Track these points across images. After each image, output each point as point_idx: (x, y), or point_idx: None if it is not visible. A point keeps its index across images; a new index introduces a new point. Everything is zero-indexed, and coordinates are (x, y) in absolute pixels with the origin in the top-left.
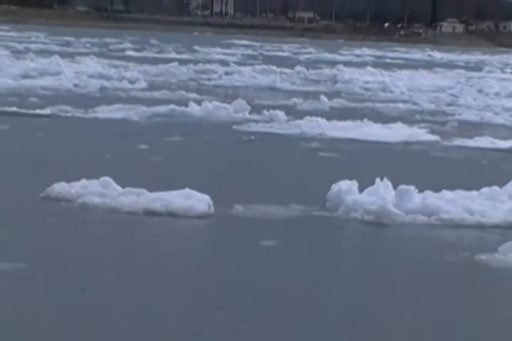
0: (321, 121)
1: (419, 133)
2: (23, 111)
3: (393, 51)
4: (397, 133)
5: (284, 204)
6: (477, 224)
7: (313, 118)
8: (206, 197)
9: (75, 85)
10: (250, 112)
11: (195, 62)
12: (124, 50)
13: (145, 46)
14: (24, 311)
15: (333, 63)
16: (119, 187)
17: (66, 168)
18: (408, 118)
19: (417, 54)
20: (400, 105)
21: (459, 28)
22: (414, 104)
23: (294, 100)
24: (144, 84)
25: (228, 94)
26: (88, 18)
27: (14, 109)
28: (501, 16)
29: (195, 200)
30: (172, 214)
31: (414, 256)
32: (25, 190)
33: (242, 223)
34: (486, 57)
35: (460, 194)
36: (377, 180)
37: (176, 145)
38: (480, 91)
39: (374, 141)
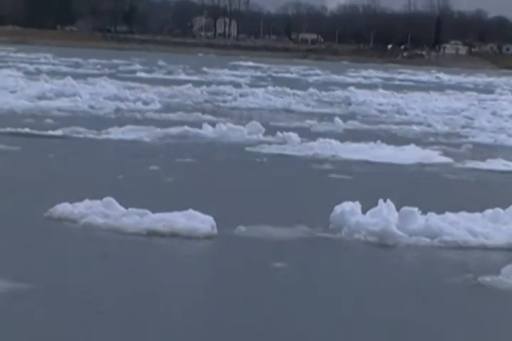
0: (334, 142)
1: (433, 156)
2: (37, 132)
3: (400, 73)
4: (410, 155)
5: (288, 226)
6: (480, 246)
7: (327, 140)
8: (210, 218)
9: (91, 107)
10: (264, 134)
11: (208, 83)
12: (134, 71)
13: (153, 67)
14: (26, 330)
15: (343, 85)
16: (122, 208)
17: (73, 189)
18: (422, 141)
19: (424, 76)
20: (414, 127)
21: (462, 49)
22: (429, 126)
23: (309, 122)
24: (158, 106)
25: (243, 116)
26: (91, 38)
27: (29, 130)
28: (504, 38)
29: (198, 221)
30: (175, 235)
31: (417, 277)
32: (30, 210)
33: (244, 244)
34: (493, 80)
35: (463, 216)
36: (381, 201)
37: (186, 167)
38: (494, 113)
39: (386, 162)
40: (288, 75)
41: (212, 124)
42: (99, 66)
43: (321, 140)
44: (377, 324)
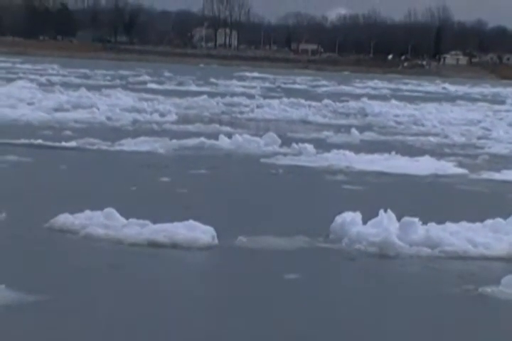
0: (349, 154)
1: (448, 167)
2: (52, 143)
3: (405, 83)
4: (425, 166)
5: (289, 236)
6: (481, 256)
7: (342, 151)
8: (210, 229)
9: (108, 118)
10: (280, 145)
11: (222, 95)
12: (144, 82)
13: (162, 78)
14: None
15: (354, 96)
16: (122, 219)
17: (78, 199)
18: (438, 152)
19: (429, 86)
20: (431, 138)
21: (463, 60)
22: (445, 137)
23: (326, 133)
24: (175, 117)
25: (260, 127)
26: (91, 49)
27: (43, 141)
28: (504, 48)
29: (199, 232)
30: (175, 246)
31: (417, 287)
32: (33, 220)
33: (244, 255)
34: (499, 90)
35: (464, 226)
36: (381, 211)
37: (197, 178)
38: (511, 124)
39: (401, 173)
40: (297, 86)
41: (229, 136)
42: (108, 77)
43: (336, 151)
44: (377, 334)
